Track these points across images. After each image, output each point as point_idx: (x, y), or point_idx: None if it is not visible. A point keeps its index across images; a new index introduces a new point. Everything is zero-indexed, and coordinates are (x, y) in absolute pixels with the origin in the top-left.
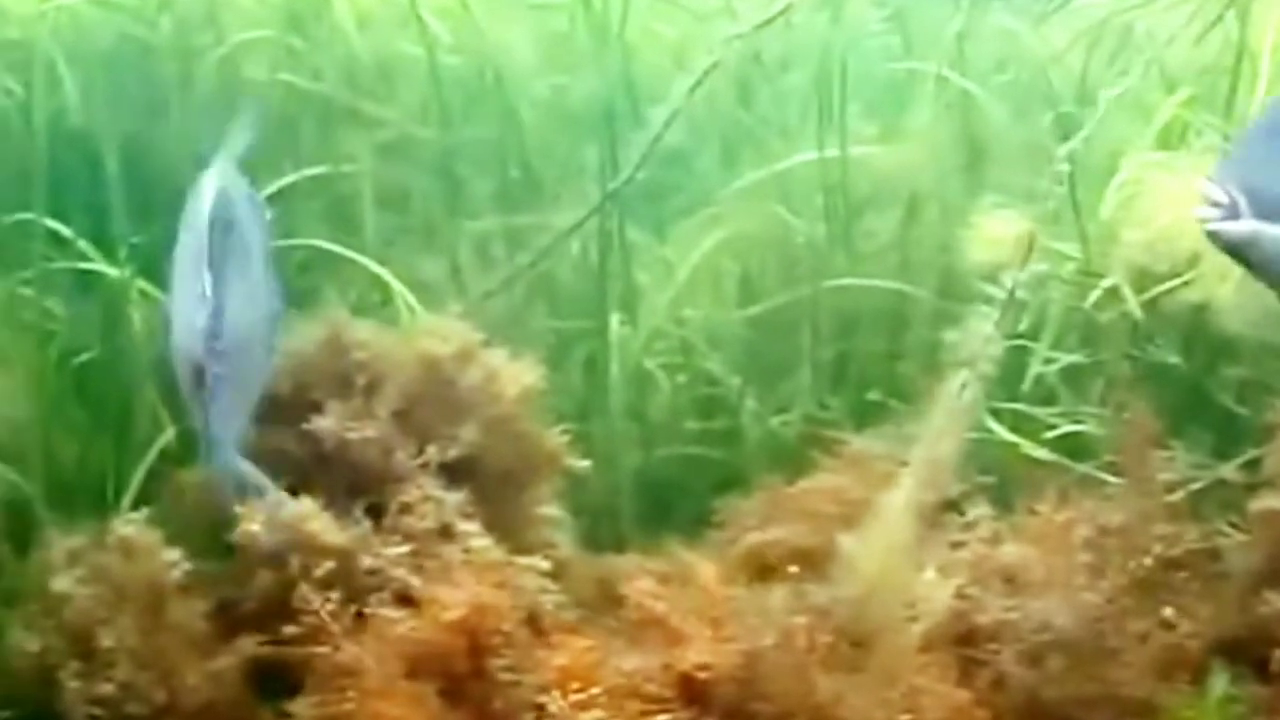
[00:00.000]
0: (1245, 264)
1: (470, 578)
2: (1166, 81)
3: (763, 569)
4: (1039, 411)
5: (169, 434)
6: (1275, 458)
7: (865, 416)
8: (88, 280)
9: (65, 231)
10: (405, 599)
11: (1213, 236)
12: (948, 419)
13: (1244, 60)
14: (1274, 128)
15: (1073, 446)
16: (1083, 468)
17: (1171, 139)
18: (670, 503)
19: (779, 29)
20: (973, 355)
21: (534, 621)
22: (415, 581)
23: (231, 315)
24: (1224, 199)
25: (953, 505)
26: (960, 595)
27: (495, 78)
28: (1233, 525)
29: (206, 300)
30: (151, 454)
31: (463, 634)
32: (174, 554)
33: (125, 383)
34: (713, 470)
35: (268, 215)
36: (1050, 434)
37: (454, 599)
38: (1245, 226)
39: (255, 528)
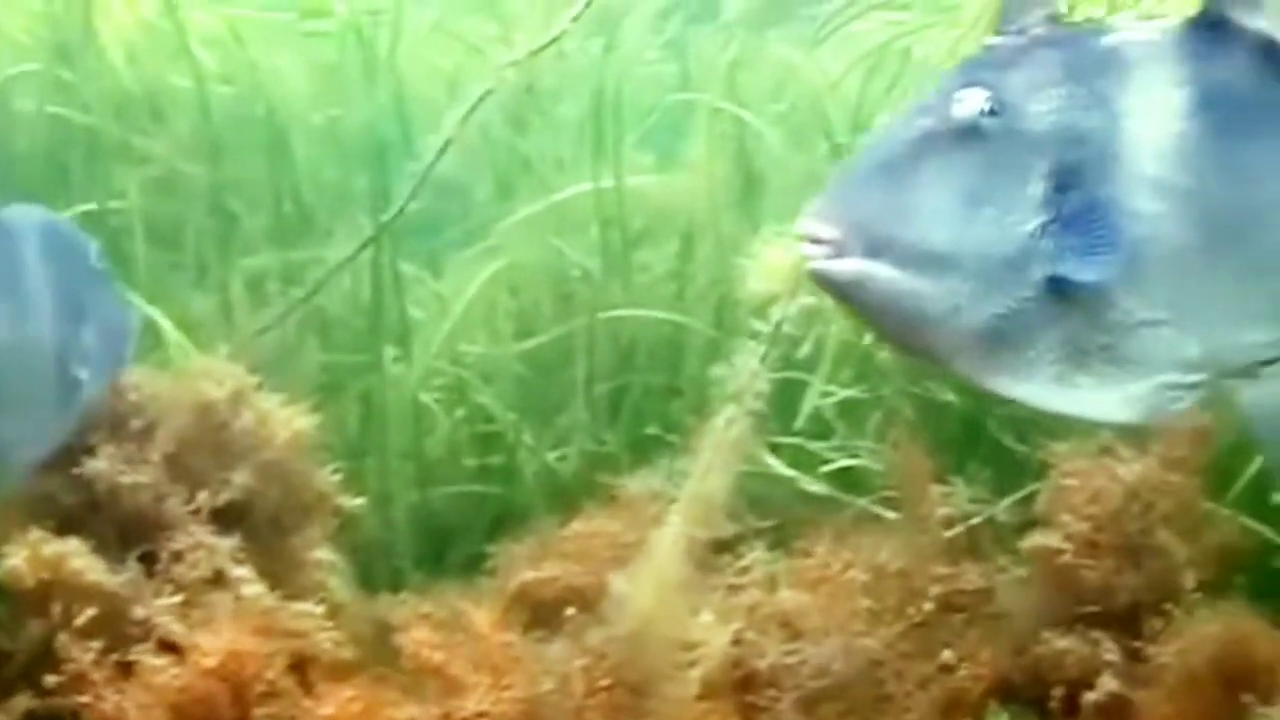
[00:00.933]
0: (853, 307)
1: (231, 624)
2: None
3: (539, 612)
4: (815, 445)
5: None
6: (1046, 495)
7: (642, 451)
8: None
9: None
10: (171, 647)
11: (818, 276)
12: (715, 455)
13: None
14: (880, 158)
15: (849, 481)
16: (861, 502)
17: None
18: (448, 540)
19: (553, 58)
20: (740, 390)
21: (304, 668)
22: (178, 628)
23: None
24: (828, 235)
25: (729, 548)
26: (738, 640)
27: (267, 109)
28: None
29: None
30: None
31: (224, 681)
32: None
33: None
34: (490, 507)
35: (81, 249)
36: (826, 468)
37: (213, 646)
38: (851, 266)
39: (18, 563)
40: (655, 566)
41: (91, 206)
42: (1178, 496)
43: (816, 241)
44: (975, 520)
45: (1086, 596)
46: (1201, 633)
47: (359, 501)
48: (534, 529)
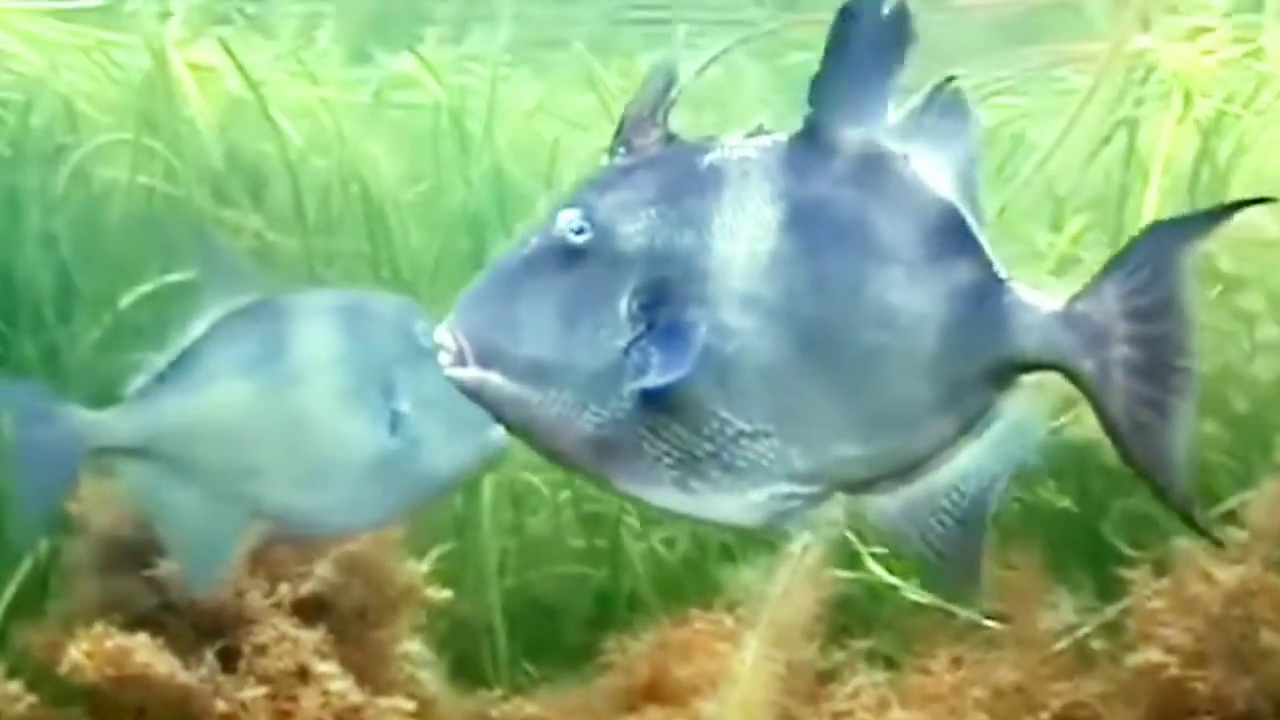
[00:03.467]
0: (484, 408)
1: None
2: (1055, 200)
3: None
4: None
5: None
6: (1139, 615)
7: (751, 541)
8: None
9: None
10: None
11: (452, 381)
12: (793, 580)
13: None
14: (498, 272)
15: None
16: (965, 613)
17: (1064, 264)
18: (551, 625)
19: None
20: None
21: None
22: None
23: None
24: (453, 345)
25: (833, 674)
26: None
27: (360, 183)
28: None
29: None
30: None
31: None
32: (14, 687)
33: None
34: (594, 591)
35: (397, 327)
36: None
37: None
38: (470, 374)
39: (77, 657)
40: (740, 692)
41: (189, 276)
42: (1275, 597)
43: (447, 350)
44: (1084, 631)
45: (1200, 708)
46: None
47: (447, 594)
48: (646, 624)
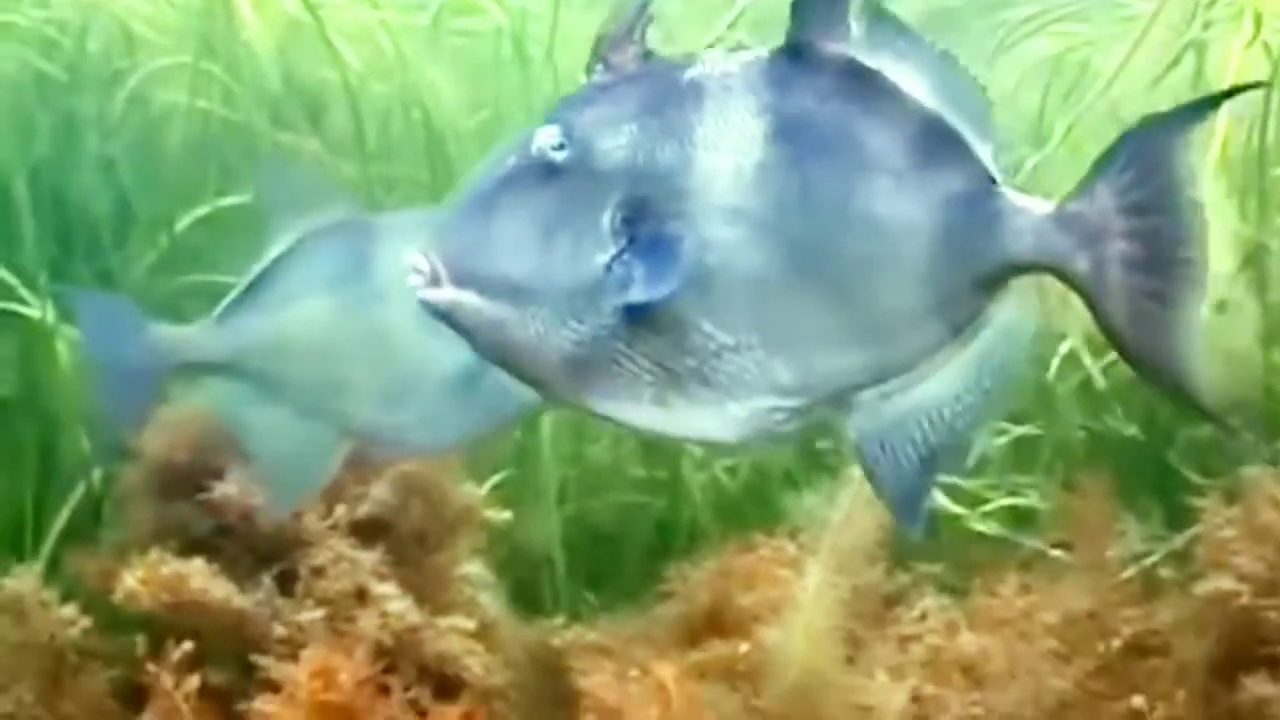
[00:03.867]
0: (457, 330)
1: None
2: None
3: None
4: (972, 484)
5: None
6: (1209, 543)
7: (813, 467)
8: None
9: None
10: None
11: (424, 304)
12: (855, 505)
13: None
14: (470, 200)
15: (1012, 520)
16: (1030, 543)
17: None
18: (610, 554)
19: None
20: None
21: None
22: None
23: None
24: (426, 267)
25: (899, 598)
26: (917, 696)
27: (421, 108)
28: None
29: None
30: (74, 498)
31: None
32: (70, 611)
33: (47, 422)
34: (655, 520)
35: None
36: (987, 507)
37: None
38: (444, 295)
39: (133, 584)
40: (804, 619)
41: (245, 199)
42: None
43: (419, 272)
44: (1153, 559)
45: (1272, 637)
46: None
47: (506, 516)
48: (706, 551)
